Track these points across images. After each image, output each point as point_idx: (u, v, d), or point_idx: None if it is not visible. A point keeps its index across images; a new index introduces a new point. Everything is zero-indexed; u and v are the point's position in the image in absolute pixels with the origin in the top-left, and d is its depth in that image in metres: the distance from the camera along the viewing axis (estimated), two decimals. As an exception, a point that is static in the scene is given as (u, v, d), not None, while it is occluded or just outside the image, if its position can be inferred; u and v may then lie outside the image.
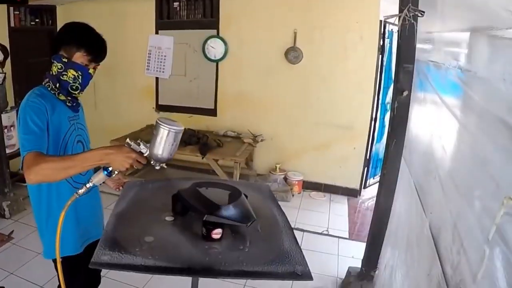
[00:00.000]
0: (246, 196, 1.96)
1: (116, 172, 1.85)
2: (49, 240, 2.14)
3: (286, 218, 1.97)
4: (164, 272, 1.54)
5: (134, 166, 1.81)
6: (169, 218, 1.92)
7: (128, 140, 1.83)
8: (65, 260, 2.19)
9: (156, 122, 1.76)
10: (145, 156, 1.81)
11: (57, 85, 2.07)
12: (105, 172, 1.84)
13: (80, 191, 1.85)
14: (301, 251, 1.67)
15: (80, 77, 2.08)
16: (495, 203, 1.09)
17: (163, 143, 1.75)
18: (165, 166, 1.87)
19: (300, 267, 1.57)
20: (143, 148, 1.81)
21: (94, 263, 1.51)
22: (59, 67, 2.05)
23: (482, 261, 1.12)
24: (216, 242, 1.71)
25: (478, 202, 1.31)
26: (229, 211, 1.76)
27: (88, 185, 1.86)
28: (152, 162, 1.83)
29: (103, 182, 1.99)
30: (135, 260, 1.53)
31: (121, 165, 1.78)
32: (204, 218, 1.71)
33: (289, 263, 1.58)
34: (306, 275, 1.56)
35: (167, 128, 1.73)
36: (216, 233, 1.71)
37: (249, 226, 1.76)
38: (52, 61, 2.07)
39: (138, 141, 1.82)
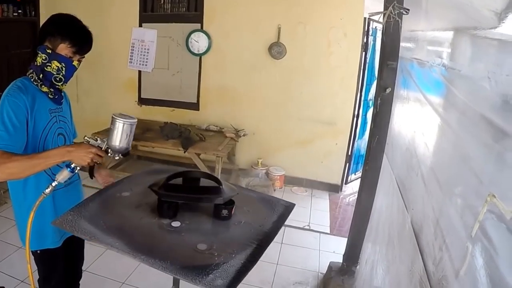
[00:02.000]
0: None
1: (78, 168, 2.00)
2: (23, 230, 2.13)
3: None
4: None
5: (94, 160, 1.94)
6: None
7: (86, 137, 1.98)
8: (44, 253, 2.21)
9: (112, 117, 1.93)
10: (103, 150, 1.97)
11: (41, 76, 2.06)
12: (68, 169, 1.98)
13: (47, 190, 1.96)
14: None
15: (63, 68, 2.07)
16: (478, 200, 1.11)
17: (120, 135, 1.93)
18: (122, 157, 2.06)
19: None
20: (100, 143, 1.97)
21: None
22: (43, 58, 2.04)
23: (465, 258, 1.13)
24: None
25: (460, 199, 1.33)
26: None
27: (53, 184, 1.97)
28: (110, 154, 1.99)
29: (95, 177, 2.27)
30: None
31: (82, 160, 1.92)
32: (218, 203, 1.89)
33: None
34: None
35: (122, 121, 1.92)
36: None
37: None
38: (37, 52, 2.06)
39: (95, 136, 1.98)
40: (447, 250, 1.32)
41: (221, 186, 1.93)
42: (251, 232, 1.82)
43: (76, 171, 2.01)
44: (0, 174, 1.86)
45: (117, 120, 1.91)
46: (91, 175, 2.32)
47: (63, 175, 1.97)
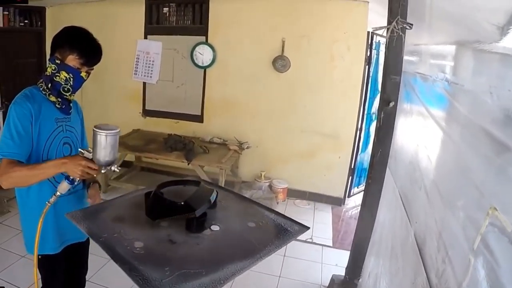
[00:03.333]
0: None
1: (77, 180, 2.00)
2: (27, 236, 2.26)
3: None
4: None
5: (86, 172, 1.93)
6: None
7: (80, 149, 1.97)
8: (44, 259, 2.24)
9: (93, 130, 1.88)
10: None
11: (49, 85, 2.12)
12: (67, 181, 2.00)
13: (51, 200, 2.02)
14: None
15: (71, 79, 2.11)
16: (480, 213, 1.12)
17: (103, 148, 1.88)
18: (117, 170, 2.00)
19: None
20: (88, 155, 1.94)
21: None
22: (53, 68, 2.09)
23: (467, 270, 1.14)
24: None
25: (462, 212, 1.33)
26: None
27: (57, 194, 2.03)
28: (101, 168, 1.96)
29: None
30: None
31: (74, 173, 1.92)
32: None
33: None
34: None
35: (105, 133, 1.86)
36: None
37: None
38: (48, 62, 2.12)
39: (89, 148, 1.94)
40: (449, 263, 1.32)
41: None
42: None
43: (76, 182, 2.02)
44: (4, 182, 1.97)
45: (98, 133, 1.87)
46: (87, 189, 2.37)
47: (63, 187, 2.01)
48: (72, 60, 2.08)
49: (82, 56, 2.08)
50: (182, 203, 1.71)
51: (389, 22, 2.77)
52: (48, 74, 2.11)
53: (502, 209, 1.02)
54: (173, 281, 1.40)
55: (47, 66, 2.13)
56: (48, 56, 2.18)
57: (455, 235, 1.32)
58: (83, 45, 2.10)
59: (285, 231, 1.90)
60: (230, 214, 1.92)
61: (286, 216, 1.91)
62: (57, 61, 2.08)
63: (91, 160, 1.93)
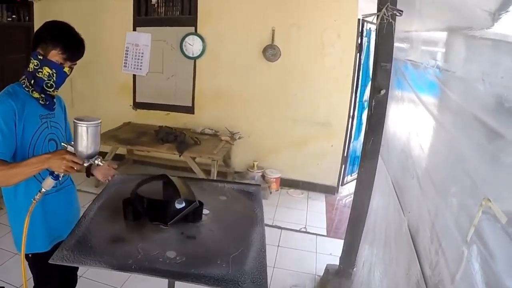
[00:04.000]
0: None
1: (62, 175, 1.94)
2: (15, 234, 2.24)
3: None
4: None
5: (74, 168, 1.89)
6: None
7: (63, 143, 1.94)
8: (35, 257, 2.22)
9: (74, 122, 1.83)
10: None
11: (32, 82, 2.08)
12: (51, 177, 1.94)
13: (36, 197, 1.96)
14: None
15: (54, 75, 2.07)
16: (473, 203, 1.10)
17: (86, 140, 1.83)
18: (101, 163, 1.97)
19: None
20: (71, 149, 1.90)
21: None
22: (35, 64, 2.05)
23: (461, 262, 1.12)
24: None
25: (455, 201, 1.32)
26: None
27: (42, 191, 1.96)
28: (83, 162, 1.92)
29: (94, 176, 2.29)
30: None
31: (59, 167, 1.87)
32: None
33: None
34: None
35: (85, 125, 1.82)
36: None
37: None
38: (30, 58, 2.08)
39: (73, 142, 1.89)
40: (443, 254, 1.31)
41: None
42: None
43: (61, 178, 1.96)
44: None
45: (79, 125, 1.82)
46: (88, 175, 2.34)
47: (48, 183, 1.95)
48: (55, 55, 2.04)
49: (65, 51, 2.04)
50: (183, 201, 1.79)
51: (379, 9, 2.74)
52: (30, 70, 2.08)
53: (495, 198, 1.00)
54: (239, 266, 1.53)
55: (30, 62, 2.09)
56: (36, 52, 2.16)
57: (448, 225, 1.31)
58: (66, 40, 2.06)
59: (249, 193, 2.25)
60: (200, 196, 1.96)
61: (239, 182, 2.13)
62: (39, 57, 2.04)
63: (75, 154, 1.89)
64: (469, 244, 1.09)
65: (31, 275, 2.27)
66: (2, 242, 4.15)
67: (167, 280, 1.88)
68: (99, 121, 1.87)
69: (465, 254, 1.10)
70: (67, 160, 1.85)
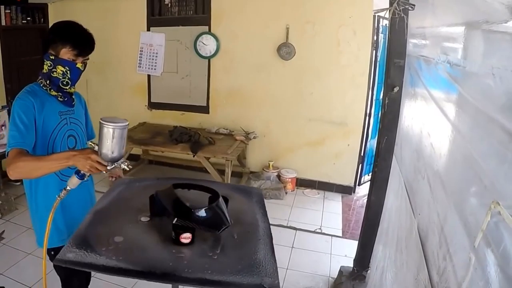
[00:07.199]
0: (227, 200, 1.91)
1: (87, 175, 1.92)
2: (37, 230, 2.30)
3: (269, 226, 1.90)
4: (123, 274, 1.51)
5: (99, 168, 1.84)
6: (144, 219, 1.92)
7: (89, 142, 1.96)
8: (57, 252, 2.19)
9: (100, 122, 1.79)
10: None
11: (48, 81, 2.15)
12: (77, 176, 1.91)
13: (61, 194, 1.96)
14: (275, 261, 1.59)
15: (68, 72, 2.14)
16: (482, 206, 1.04)
17: (110, 142, 1.78)
18: (127, 168, 1.91)
19: (268, 279, 1.47)
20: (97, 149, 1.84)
21: (59, 260, 1.55)
22: (49, 64, 2.12)
23: (468, 269, 1.05)
24: (185, 246, 1.67)
25: (465, 205, 1.25)
26: (201, 215, 1.71)
27: (67, 188, 1.95)
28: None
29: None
30: (97, 260, 1.54)
31: (83, 167, 1.84)
32: (173, 221, 1.69)
33: (257, 274, 1.49)
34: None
35: (111, 126, 1.76)
36: (185, 238, 1.68)
37: (220, 232, 1.71)
38: (43, 60, 2.15)
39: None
40: (450, 260, 1.24)
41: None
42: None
43: (86, 177, 1.94)
44: (11, 172, 1.92)
45: (105, 126, 1.77)
46: None
47: (73, 182, 1.93)
48: (66, 53, 2.09)
49: (75, 47, 2.10)
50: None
51: (391, 3, 2.66)
52: (45, 71, 2.14)
53: (505, 198, 0.93)
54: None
55: (43, 64, 2.16)
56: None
57: (457, 230, 1.24)
58: (74, 36, 2.12)
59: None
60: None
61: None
62: (51, 57, 2.10)
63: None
64: (476, 250, 1.02)
65: (49, 270, 2.25)
66: (17, 242, 4.20)
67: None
68: (127, 123, 1.82)
69: (472, 262, 1.03)
70: (92, 160, 1.83)
